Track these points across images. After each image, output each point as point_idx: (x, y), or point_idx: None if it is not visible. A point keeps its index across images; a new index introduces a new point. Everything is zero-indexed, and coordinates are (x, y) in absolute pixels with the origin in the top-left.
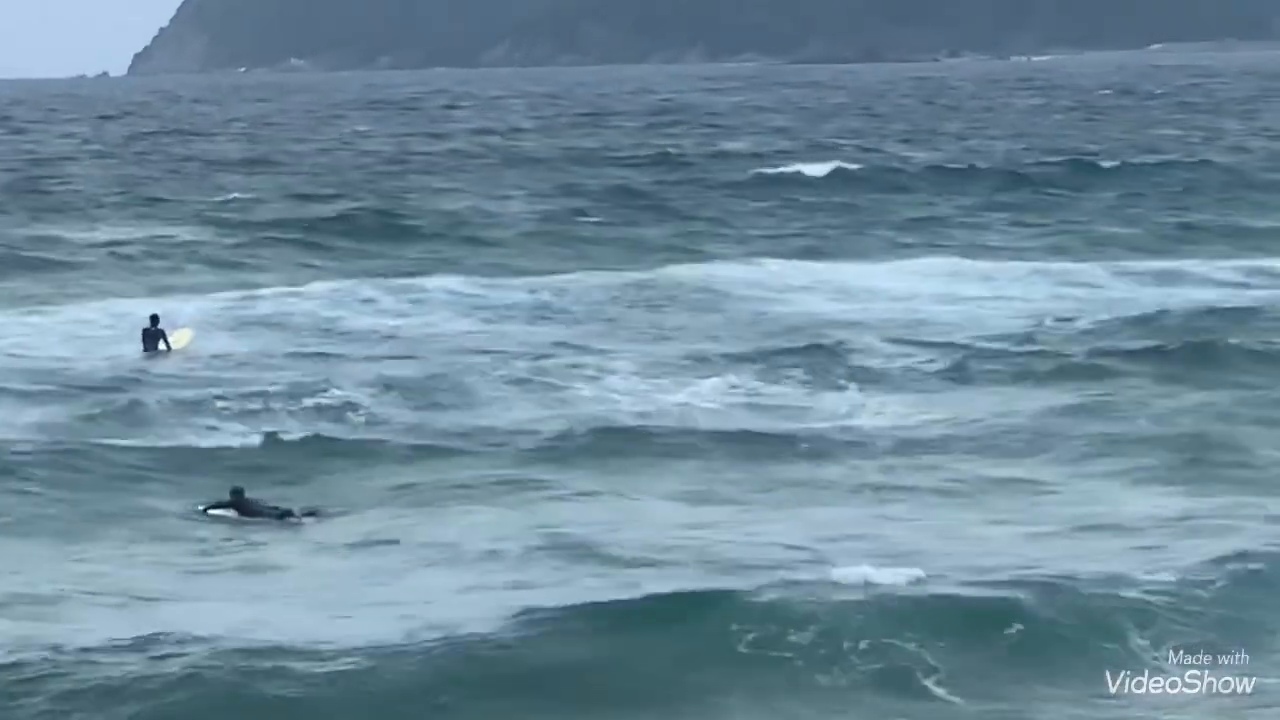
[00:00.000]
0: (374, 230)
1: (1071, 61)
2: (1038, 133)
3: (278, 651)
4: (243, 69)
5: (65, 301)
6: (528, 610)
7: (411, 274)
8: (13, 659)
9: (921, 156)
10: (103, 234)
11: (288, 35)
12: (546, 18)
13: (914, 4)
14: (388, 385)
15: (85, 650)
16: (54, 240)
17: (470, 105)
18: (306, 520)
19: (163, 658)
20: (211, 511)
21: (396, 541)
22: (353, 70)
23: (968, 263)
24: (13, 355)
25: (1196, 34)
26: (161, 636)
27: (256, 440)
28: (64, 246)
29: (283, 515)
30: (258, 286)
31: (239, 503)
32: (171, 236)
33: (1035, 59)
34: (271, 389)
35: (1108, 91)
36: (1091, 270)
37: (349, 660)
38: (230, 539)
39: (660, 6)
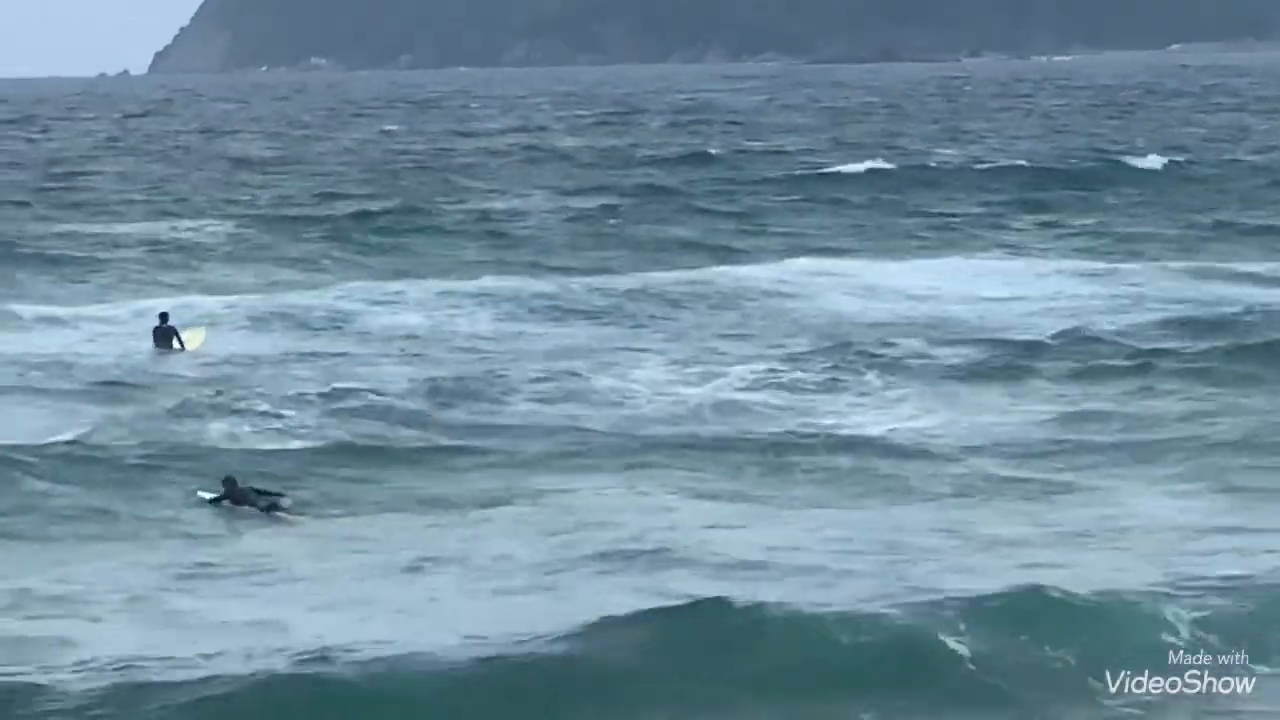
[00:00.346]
0: (401, 229)
1: (1092, 61)
2: (1065, 131)
3: (291, 655)
4: (263, 68)
5: (85, 299)
6: (551, 614)
7: (439, 273)
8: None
9: (951, 155)
10: (125, 232)
11: (308, 34)
12: (565, 17)
13: (932, 4)
14: (410, 384)
15: (93, 658)
16: (76, 237)
17: (494, 104)
18: (295, 517)
19: (179, 665)
20: (205, 496)
21: (413, 543)
22: (373, 69)
23: (999, 262)
24: (30, 351)
25: (1216, 34)
26: (178, 639)
27: (265, 439)
28: (86, 244)
29: (269, 507)
30: (281, 285)
31: (231, 492)
32: (194, 235)
33: (1056, 59)
34: (288, 388)
35: (1133, 90)
36: (1125, 269)
37: (364, 666)
38: (238, 535)
39: (679, 6)
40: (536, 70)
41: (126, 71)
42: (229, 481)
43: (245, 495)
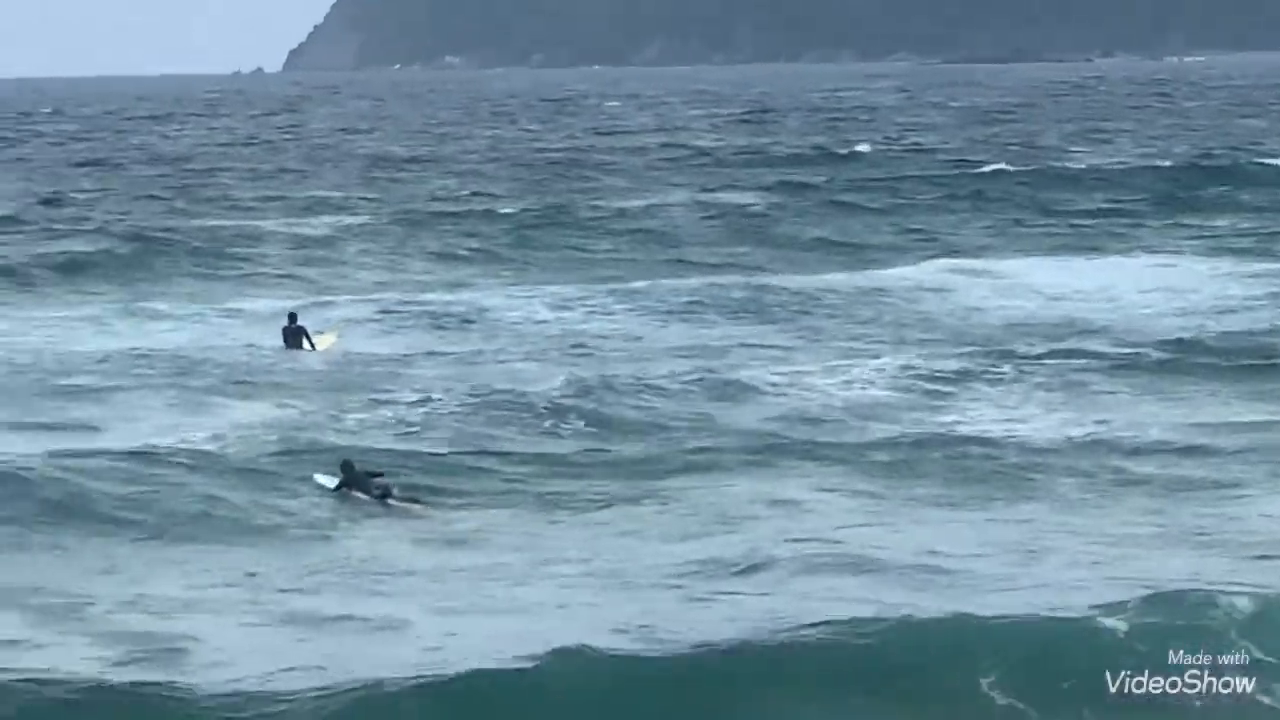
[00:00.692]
0: (540, 226)
1: (1225, 61)
2: (1203, 130)
3: (415, 658)
4: (396, 66)
5: (220, 295)
6: (682, 619)
7: (577, 270)
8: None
9: (1089, 154)
10: (261, 228)
11: (441, 32)
12: (698, 17)
13: (1064, 4)
14: (546, 382)
15: (216, 660)
16: (213, 233)
17: (630, 102)
18: (408, 505)
19: (301, 667)
20: (321, 482)
21: (540, 543)
22: (506, 67)
23: (1137, 261)
24: (161, 347)
25: None
26: (301, 640)
27: (393, 437)
28: (223, 240)
29: (383, 495)
30: (418, 283)
31: (348, 477)
32: (331, 232)
33: (1188, 59)
34: (419, 386)
35: (1269, 90)
36: (1265, 269)
37: (488, 671)
38: (358, 532)
39: (811, 6)
40: (669, 70)
41: (261, 69)
42: (346, 466)
43: (360, 480)
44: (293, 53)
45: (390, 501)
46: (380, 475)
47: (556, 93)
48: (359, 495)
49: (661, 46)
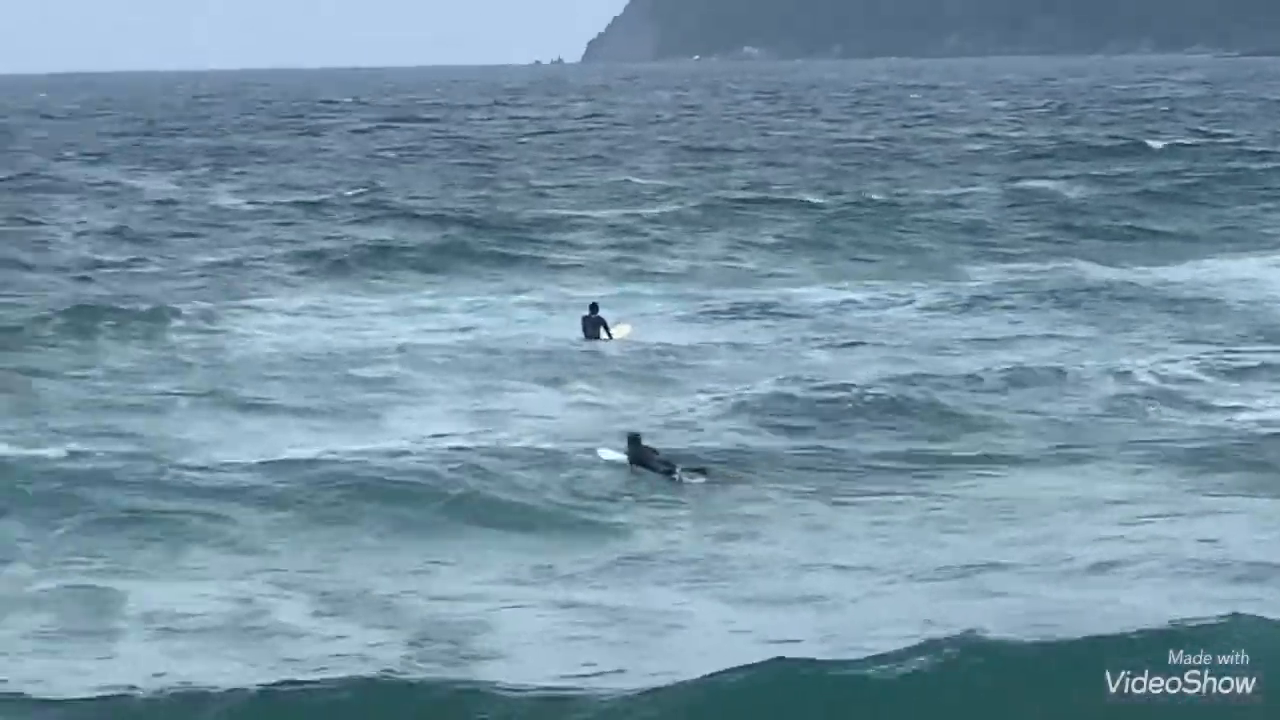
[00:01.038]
0: (849, 217)
1: None
2: None
3: (750, 655)
4: (695, 57)
5: (523, 286)
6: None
7: (882, 262)
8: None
9: None
10: (566, 218)
11: (740, 23)
12: (997, 9)
13: None
14: (843, 377)
15: (516, 658)
16: (514, 224)
17: (931, 94)
18: (696, 479)
19: (610, 668)
20: (607, 457)
21: (854, 537)
22: (804, 58)
23: None
24: (460, 338)
25: None
26: (606, 637)
27: (688, 427)
28: (524, 231)
29: (668, 471)
30: (721, 276)
31: (634, 452)
32: (640, 222)
33: None
34: (715, 378)
35: None
36: None
37: (827, 668)
38: (652, 518)
39: None
40: (966, 61)
41: (561, 60)
42: (633, 440)
43: (646, 455)
44: (592, 43)
45: (676, 475)
46: (671, 469)
47: (856, 83)
48: (645, 470)
49: (960, 38)
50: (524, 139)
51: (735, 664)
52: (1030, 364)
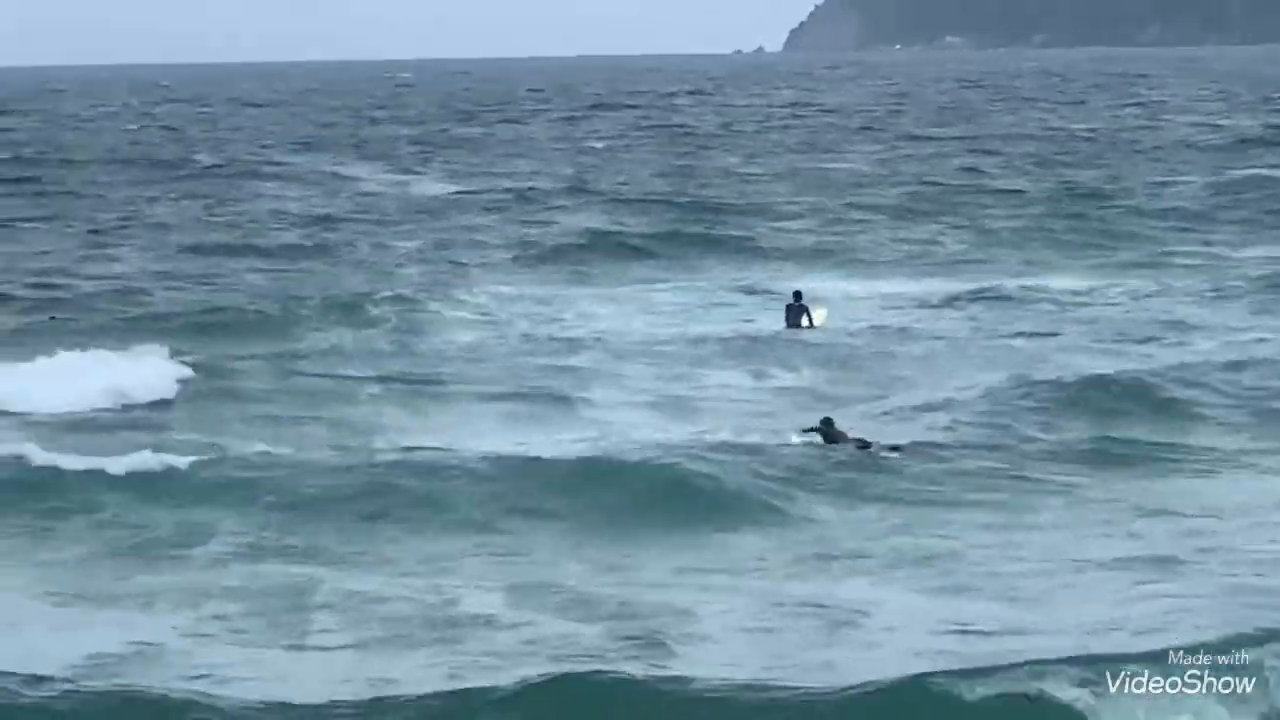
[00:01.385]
0: (1068, 208)
1: None
2: None
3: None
4: (896, 46)
5: (730, 273)
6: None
7: (1121, 253)
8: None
9: None
10: (772, 206)
11: (942, 12)
12: None
13: None
14: (1040, 370)
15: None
16: (720, 211)
17: (1141, 83)
18: (891, 455)
19: (810, 663)
20: (799, 438)
21: (1011, 529)
22: (1006, 48)
23: None
24: (665, 323)
25: None
26: (810, 631)
27: (896, 418)
28: (730, 218)
29: (863, 445)
30: (935, 264)
31: (826, 431)
32: (845, 208)
33: None
34: (945, 376)
35: None
36: None
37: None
38: (862, 515)
39: None
40: (1169, 51)
41: (762, 48)
42: (826, 422)
43: (838, 436)
44: (793, 32)
45: (871, 451)
46: (866, 444)
47: (1062, 72)
48: (839, 447)
49: (1162, 27)
50: (730, 127)
51: (931, 660)
52: (1242, 356)
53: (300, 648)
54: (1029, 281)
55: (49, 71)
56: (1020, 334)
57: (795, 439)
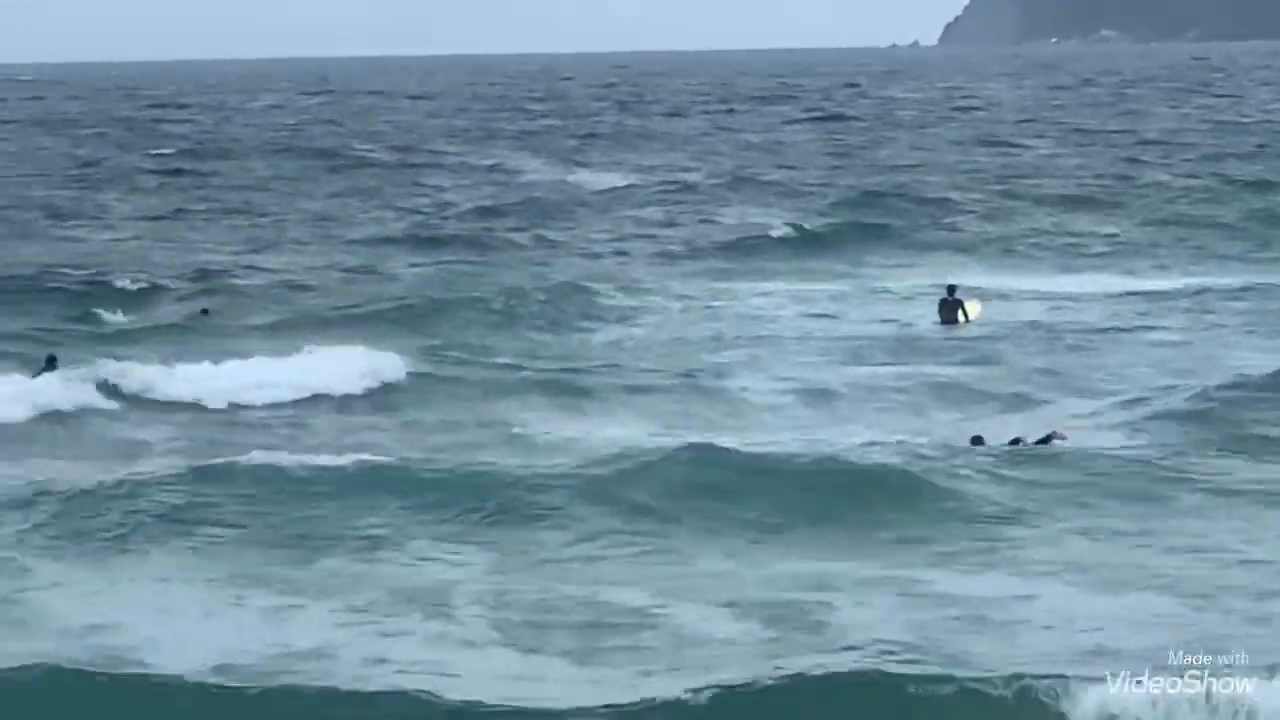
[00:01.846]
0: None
1: None
2: None
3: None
4: (1053, 40)
5: (897, 266)
6: None
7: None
8: None
9: None
10: (933, 198)
11: (1099, 5)
12: None
13: None
14: (1209, 374)
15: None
16: (878, 206)
17: None
18: (1044, 448)
19: (929, 655)
20: (952, 439)
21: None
22: (1162, 41)
23: None
24: (823, 318)
25: None
26: (942, 623)
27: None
28: (903, 213)
29: (1015, 441)
30: (1117, 265)
31: (973, 437)
32: (1016, 203)
33: None
34: (1093, 367)
35: None
36: None
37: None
38: (986, 502)
39: None
40: None
41: (917, 43)
42: (975, 439)
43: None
44: (949, 26)
45: (1022, 442)
46: (1016, 440)
47: (1227, 65)
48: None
49: None
50: (888, 119)
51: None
52: None
53: (537, 652)
54: (1192, 279)
55: (208, 65)
56: (1181, 329)
57: (949, 439)
